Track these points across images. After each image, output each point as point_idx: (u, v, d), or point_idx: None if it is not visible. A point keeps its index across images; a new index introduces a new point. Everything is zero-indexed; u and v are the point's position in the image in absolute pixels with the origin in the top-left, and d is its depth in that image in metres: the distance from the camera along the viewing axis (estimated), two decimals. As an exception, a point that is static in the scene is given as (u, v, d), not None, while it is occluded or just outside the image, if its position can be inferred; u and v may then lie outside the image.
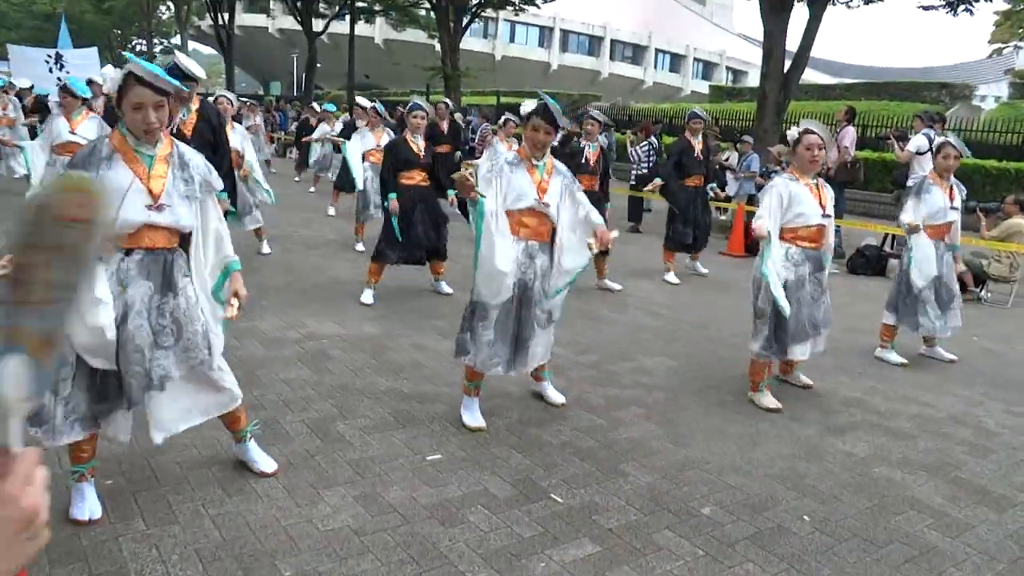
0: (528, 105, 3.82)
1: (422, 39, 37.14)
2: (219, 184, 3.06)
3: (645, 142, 12.11)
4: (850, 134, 11.08)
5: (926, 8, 15.96)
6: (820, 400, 4.75)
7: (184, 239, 2.97)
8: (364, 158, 8.28)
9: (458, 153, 12.05)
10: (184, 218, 2.87)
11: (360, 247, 8.49)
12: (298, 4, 30.87)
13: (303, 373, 4.62)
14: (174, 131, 4.86)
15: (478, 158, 15.09)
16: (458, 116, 16.51)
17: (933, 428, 4.38)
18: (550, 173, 3.94)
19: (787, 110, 14.69)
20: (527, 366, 4.05)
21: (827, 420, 4.41)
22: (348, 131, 10.79)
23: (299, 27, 32.25)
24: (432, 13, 24.71)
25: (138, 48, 52.38)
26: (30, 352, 0.80)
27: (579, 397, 4.46)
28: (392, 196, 6.29)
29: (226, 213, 5.14)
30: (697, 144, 8.21)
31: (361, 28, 37.39)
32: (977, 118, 18.47)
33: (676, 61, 63.30)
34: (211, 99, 6.99)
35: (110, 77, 2.72)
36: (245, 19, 50.88)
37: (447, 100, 16.94)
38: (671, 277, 8.08)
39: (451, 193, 6.78)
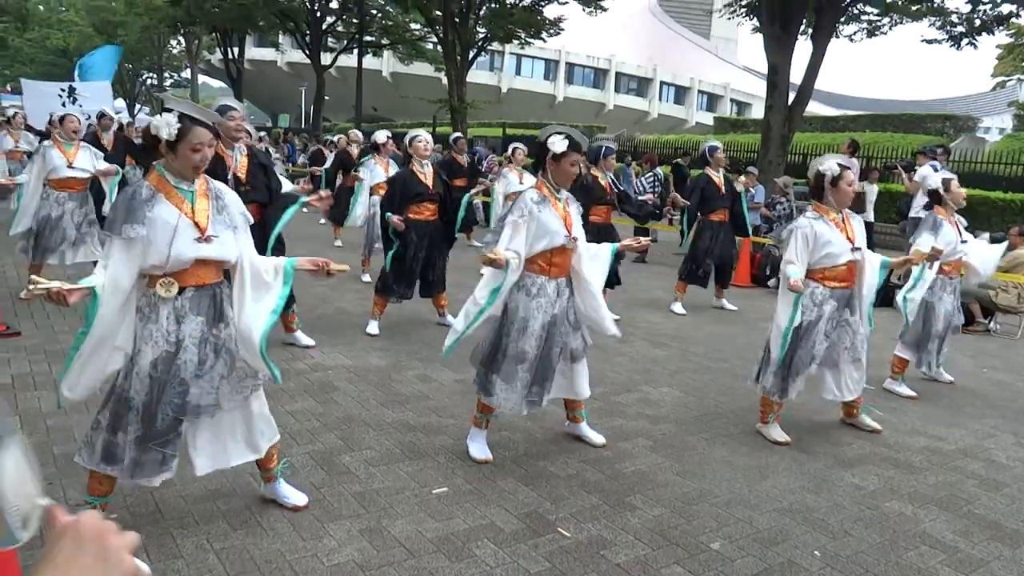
0: (558, 143, 3.73)
1: (429, 72, 37.49)
2: (248, 217, 3.09)
3: (650, 173, 12.17)
4: (854, 166, 11.13)
5: (929, 42, 16.10)
6: (828, 432, 4.71)
7: (227, 274, 3.05)
8: (372, 191, 8.32)
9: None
10: (230, 247, 2.93)
11: (366, 278, 8.51)
12: (307, 38, 31.27)
13: (309, 404, 4.61)
14: (230, 176, 4.83)
15: (486, 187, 15.19)
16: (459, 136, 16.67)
17: (943, 461, 4.34)
18: (567, 203, 3.92)
19: (791, 142, 14.78)
20: (547, 397, 4.02)
21: (836, 452, 4.37)
22: (339, 163, 10.81)
23: (307, 61, 32.63)
24: (439, 47, 24.97)
25: (148, 82, 53.06)
26: None
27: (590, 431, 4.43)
28: (388, 215, 6.27)
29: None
30: (718, 178, 8.19)
31: (369, 61, 37.79)
32: (981, 150, 18.52)
33: (681, 93, 63.78)
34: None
35: (164, 122, 2.70)
36: (254, 53, 51.54)
37: (460, 135, 17.10)
38: (677, 307, 8.07)
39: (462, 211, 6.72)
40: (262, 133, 28.53)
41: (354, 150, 11.07)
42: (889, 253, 5.24)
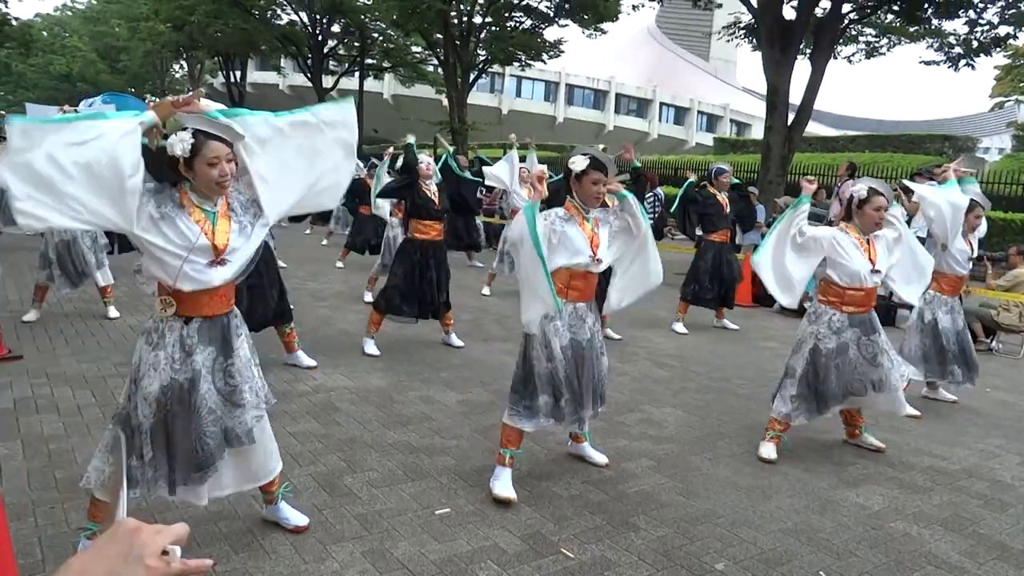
0: (579, 162, 3.69)
1: (430, 94, 37.73)
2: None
3: (650, 193, 12.19)
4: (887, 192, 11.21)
5: (927, 63, 16.20)
6: (832, 452, 4.69)
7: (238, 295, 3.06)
8: (392, 213, 8.44)
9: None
10: (242, 260, 2.90)
11: (368, 297, 8.52)
12: (308, 62, 31.49)
13: (311, 426, 4.60)
14: None
15: (487, 207, 15.22)
16: (460, 157, 16.72)
17: (948, 481, 4.32)
18: (596, 224, 3.84)
19: (791, 162, 14.84)
20: (580, 426, 4.03)
21: (840, 472, 4.35)
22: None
23: (309, 84, 32.83)
24: (440, 69, 25.15)
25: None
26: None
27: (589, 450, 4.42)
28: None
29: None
30: (723, 198, 8.23)
31: (370, 84, 38.05)
32: (981, 170, 18.58)
33: (680, 114, 64.09)
34: None
35: (179, 140, 2.65)
36: (256, 77, 51.91)
37: (460, 154, 17.18)
38: (679, 327, 8.07)
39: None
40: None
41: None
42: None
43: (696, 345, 7.59)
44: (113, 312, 7.24)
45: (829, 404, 4.42)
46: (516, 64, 25.17)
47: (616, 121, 60.97)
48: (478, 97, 44.68)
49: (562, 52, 24.42)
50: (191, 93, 2.81)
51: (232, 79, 36.48)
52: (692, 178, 8.67)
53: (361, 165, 11.95)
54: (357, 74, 32.10)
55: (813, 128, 32.72)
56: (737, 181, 8.04)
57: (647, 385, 5.98)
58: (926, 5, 14.58)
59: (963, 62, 15.64)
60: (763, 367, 6.68)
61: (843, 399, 4.44)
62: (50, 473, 3.73)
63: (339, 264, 11.24)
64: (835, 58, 16.07)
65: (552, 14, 22.51)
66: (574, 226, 3.76)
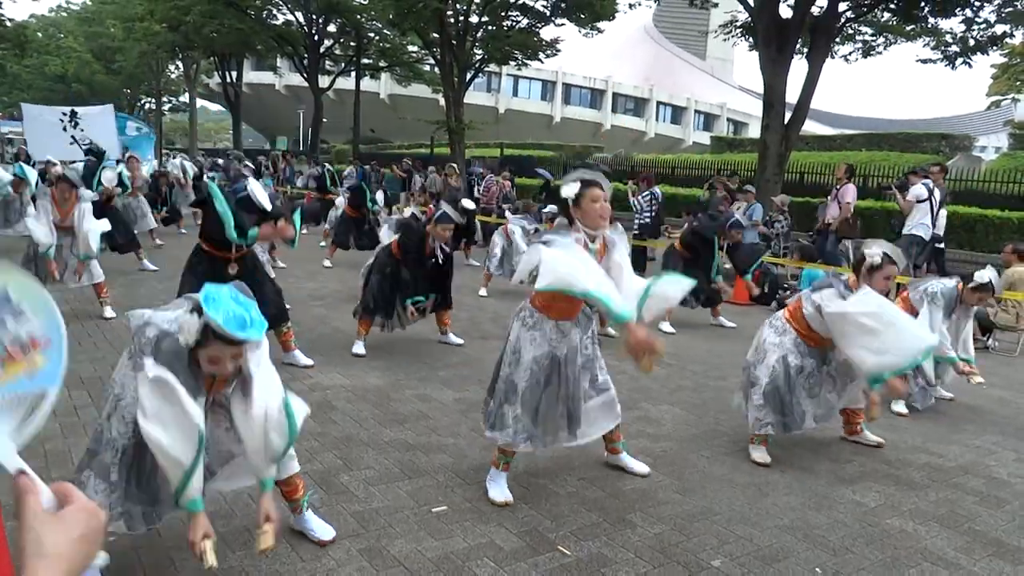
0: (570, 188, 3.48)
1: (426, 94, 37.77)
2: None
3: (647, 192, 12.21)
4: (851, 191, 11.27)
5: (924, 61, 16.22)
6: (829, 449, 4.70)
7: None
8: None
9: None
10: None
11: None
12: (305, 62, 31.47)
13: (307, 425, 4.56)
14: None
15: (484, 206, 15.23)
16: (452, 165, 16.83)
17: (944, 478, 4.33)
18: (603, 252, 3.61)
19: (788, 161, 14.85)
20: (584, 439, 3.88)
21: (836, 470, 4.35)
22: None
23: (305, 84, 32.82)
24: (436, 69, 25.14)
25: (147, 107, 53.28)
26: None
27: (585, 447, 4.41)
28: (413, 301, 6.22)
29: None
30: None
31: (366, 84, 38.08)
32: (978, 168, 18.61)
33: (677, 113, 64.18)
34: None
35: (188, 326, 2.47)
36: (252, 77, 51.90)
37: (453, 164, 17.23)
38: (666, 326, 8.05)
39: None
40: (260, 158, 28.72)
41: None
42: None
43: (693, 343, 7.60)
44: (109, 312, 7.24)
45: (797, 422, 4.35)
46: (513, 63, 25.17)
47: (613, 120, 61.05)
48: (475, 97, 44.72)
49: (559, 51, 24.41)
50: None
51: (228, 79, 36.48)
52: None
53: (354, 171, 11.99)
54: (353, 74, 32.11)
55: (810, 127, 32.80)
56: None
57: (644, 383, 5.98)
58: (923, 3, 14.59)
59: (960, 60, 15.65)
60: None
61: (804, 421, 4.38)
62: (46, 473, 3.72)
63: (327, 263, 11.22)
64: (832, 57, 16.09)
65: (548, 13, 22.50)
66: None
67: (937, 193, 10.14)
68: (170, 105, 54.42)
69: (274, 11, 31.34)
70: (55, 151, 16.46)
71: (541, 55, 24.17)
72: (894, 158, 23.56)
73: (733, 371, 6.42)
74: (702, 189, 16.06)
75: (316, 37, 31.12)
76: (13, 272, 1.13)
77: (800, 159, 19.77)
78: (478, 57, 23.73)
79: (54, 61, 46.48)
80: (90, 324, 6.95)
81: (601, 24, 22.74)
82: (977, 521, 3.76)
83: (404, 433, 4.55)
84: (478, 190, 17.47)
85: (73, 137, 16.41)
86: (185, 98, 49.57)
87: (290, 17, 31.27)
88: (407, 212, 8.86)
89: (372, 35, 31.36)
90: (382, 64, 33.91)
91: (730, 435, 4.83)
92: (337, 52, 33.06)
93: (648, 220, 12.03)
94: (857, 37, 16.95)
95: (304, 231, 15.03)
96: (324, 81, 32.75)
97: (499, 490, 3.69)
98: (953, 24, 15.42)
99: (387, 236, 10.13)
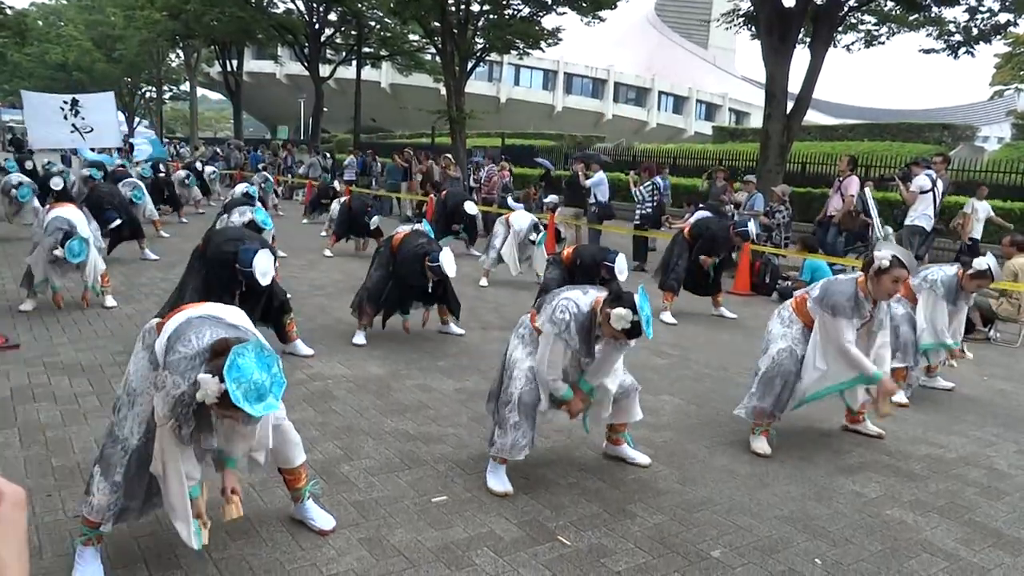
0: (620, 320, 3.40)
1: (427, 83, 37.68)
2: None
3: (648, 182, 12.19)
4: (854, 183, 11.23)
5: (927, 51, 16.13)
6: (829, 440, 4.70)
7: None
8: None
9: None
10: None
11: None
12: (305, 50, 31.36)
13: (308, 414, 4.60)
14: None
15: (485, 196, 15.21)
16: (448, 156, 16.82)
17: (944, 469, 4.33)
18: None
19: (790, 151, 14.80)
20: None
21: (837, 460, 4.35)
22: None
23: (306, 73, 32.70)
24: (437, 58, 25.04)
25: (148, 95, 53.16)
26: None
27: (585, 437, 4.41)
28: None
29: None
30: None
31: (367, 73, 37.93)
32: (980, 159, 18.54)
33: (679, 103, 64.01)
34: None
35: (207, 388, 2.39)
36: (253, 65, 51.76)
37: (449, 156, 17.22)
38: (667, 316, 8.04)
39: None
40: (262, 146, 28.63)
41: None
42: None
43: (694, 334, 7.59)
44: (110, 301, 7.23)
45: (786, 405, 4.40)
46: (514, 52, 25.02)
47: (614, 110, 60.90)
48: (476, 86, 44.63)
49: (560, 40, 24.28)
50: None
51: (229, 68, 36.36)
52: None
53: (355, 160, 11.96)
54: (354, 63, 31.97)
55: (812, 117, 32.67)
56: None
57: (645, 374, 5.97)
58: (926, -8, 14.51)
59: (963, 50, 15.55)
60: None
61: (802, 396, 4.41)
62: (47, 461, 3.73)
63: (328, 253, 11.21)
64: (834, 46, 15.97)
65: (550, 2, 22.37)
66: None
67: (940, 184, 10.11)
68: (171, 94, 54.31)
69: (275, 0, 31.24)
70: (55, 140, 16.42)
71: (542, 44, 24.04)
72: (896, 148, 23.48)
73: (734, 361, 6.42)
74: (701, 179, 16.03)
75: (317, 26, 30.97)
76: None
77: (802, 149, 19.72)
78: (479, 46, 23.62)
79: (55, 49, 46.35)
80: (91, 312, 6.95)
81: (603, 13, 22.61)
82: (977, 512, 3.77)
83: (404, 423, 4.56)
84: (474, 179, 17.46)
85: (74, 125, 16.34)
86: (186, 87, 49.48)
87: (291, 5, 31.09)
88: (410, 205, 8.85)
89: (373, 24, 31.20)
90: (383, 53, 33.76)
91: (730, 426, 4.82)
92: (338, 41, 32.91)
93: (650, 210, 12.00)
94: (860, 26, 16.84)
95: (305, 220, 15.11)
96: (325, 70, 32.63)
97: (499, 481, 3.69)
98: (956, 13, 15.32)
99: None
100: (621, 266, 6.72)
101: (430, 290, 6.23)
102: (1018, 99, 42.10)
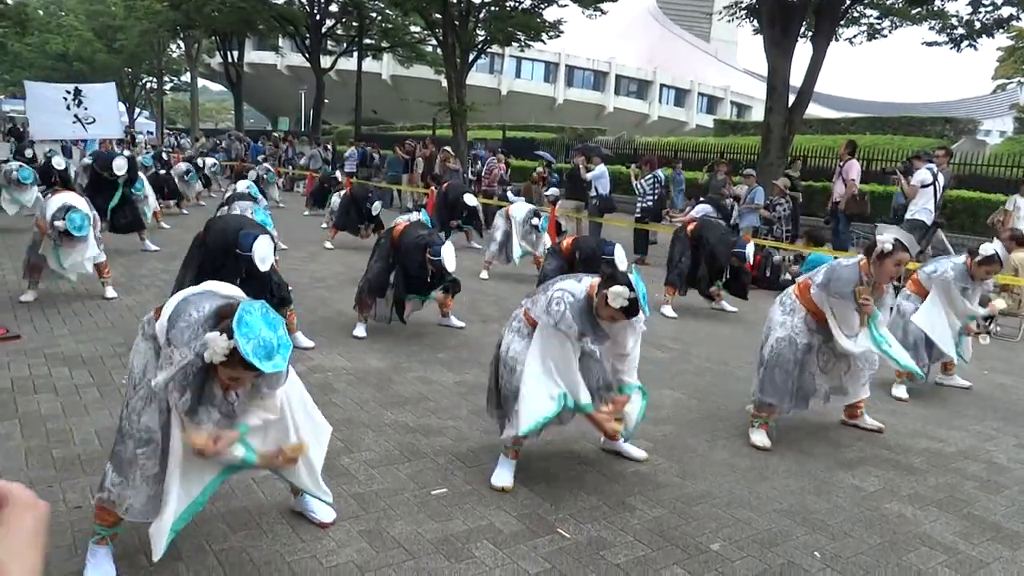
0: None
1: (429, 75, 37.56)
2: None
3: (650, 175, 12.17)
4: (855, 167, 11.19)
5: (929, 44, 16.09)
6: (829, 434, 4.71)
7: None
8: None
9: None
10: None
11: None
12: (306, 42, 31.30)
13: (308, 406, 4.59)
14: None
15: (486, 188, 15.18)
16: (447, 149, 16.81)
17: (943, 463, 4.33)
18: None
19: (792, 144, 14.79)
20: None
21: (836, 454, 4.36)
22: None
23: (307, 64, 32.66)
24: (439, 50, 24.99)
25: (148, 86, 53.08)
26: None
27: (585, 431, 4.41)
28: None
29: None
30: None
31: (368, 64, 37.84)
32: (982, 153, 18.52)
33: (681, 96, 63.85)
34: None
35: (215, 346, 2.38)
36: (254, 57, 51.66)
37: (448, 148, 17.19)
38: (668, 310, 8.04)
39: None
40: (266, 138, 28.58)
41: None
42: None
43: (695, 328, 7.60)
44: (111, 292, 7.23)
45: (798, 400, 4.40)
46: (515, 44, 24.96)
47: (616, 103, 60.77)
48: (477, 78, 44.55)
49: (562, 32, 24.22)
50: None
51: (229, 59, 36.30)
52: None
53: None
54: (355, 54, 31.91)
55: (814, 110, 32.65)
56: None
57: (645, 367, 5.94)
58: (929, -14, 14.48)
59: (965, 43, 15.51)
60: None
61: (802, 400, 4.42)
62: (48, 452, 3.73)
63: (328, 245, 11.21)
64: (836, 40, 15.94)
65: (552, -6, 22.36)
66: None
67: (941, 177, 10.10)
68: (171, 85, 54.18)
69: (276, -10, 31.15)
70: (57, 131, 16.39)
71: (544, 36, 23.99)
72: (898, 142, 23.46)
73: (734, 355, 6.42)
74: (701, 171, 16.02)
75: (318, 17, 30.92)
76: None
77: (804, 142, 19.70)
78: (481, 38, 23.58)
79: (55, 39, 46.23)
80: (91, 304, 6.96)
81: (604, 5, 22.56)
82: (976, 506, 3.77)
83: (405, 415, 4.56)
84: (472, 171, 17.45)
85: (76, 116, 16.30)
86: (186, 78, 49.34)
87: (292, -4, 31.10)
88: (411, 197, 8.84)
89: (374, 15, 31.15)
90: (384, 45, 33.72)
91: (730, 419, 4.83)
92: (339, 32, 32.86)
93: (651, 203, 11.99)
94: (862, 20, 16.81)
95: (307, 212, 15.10)
96: (326, 61, 32.57)
97: (501, 476, 3.68)
98: (959, 6, 15.44)
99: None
100: (620, 256, 6.72)
101: (429, 279, 6.22)
102: (1020, 93, 41.99)
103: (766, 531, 3.36)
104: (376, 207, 10.86)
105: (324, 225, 13.31)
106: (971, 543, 3.37)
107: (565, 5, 22.60)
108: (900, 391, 5.56)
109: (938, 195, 10.02)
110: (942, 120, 31.27)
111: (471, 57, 23.18)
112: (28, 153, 15.64)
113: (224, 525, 3.12)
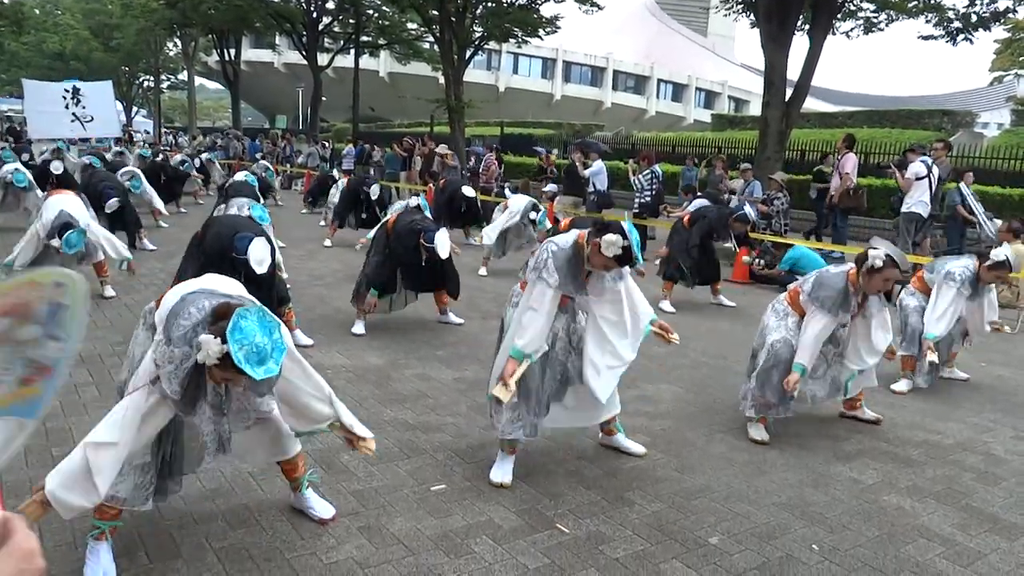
0: (612, 246, 3.38)
1: (426, 72, 37.53)
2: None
3: (648, 170, 12.17)
4: (852, 160, 11.18)
5: (926, 38, 16.09)
6: (827, 427, 4.72)
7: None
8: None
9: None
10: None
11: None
12: (303, 39, 31.25)
13: (307, 404, 4.60)
14: None
15: (483, 185, 15.17)
16: (443, 147, 16.78)
17: (941, 455, 4.34)
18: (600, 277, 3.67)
19: (789, 138, 14.78)
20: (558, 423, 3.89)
21: (834, 447, 4.37)
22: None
23: (304, 62, 32.62)
24: (436, 46, 24.98)
25: (145, 84, 52.99)
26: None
27: (584, 428, 4.42)
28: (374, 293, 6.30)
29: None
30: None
31: (366, 62, 37.82)
32: (980, 145, 18.52)
33: (678, 90, 63.83)
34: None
35: (208, 349, 2.39)
36: (251, 55, 51.52)
37: (445, 146, 17.16)
38: (666, 305, 8.04)
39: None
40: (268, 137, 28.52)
41: None
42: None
43: (693, 322, 7.60)
44: (109, 291, 7.24)
45: (789, 405, 4.40)
46: (512, 41, 24.97)
47: (613, 98, 60.74)
48: (475, 75, 44.50)
49: (559, 28, 24.23)
50: None
51: (226, 57, 36.23)
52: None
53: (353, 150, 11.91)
54: (352, 52, 31.86)
55: (811, 104, 32.61)
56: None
57: (643, 362, 5.97)
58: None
59: (961, 36, 15.52)
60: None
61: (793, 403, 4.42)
62: (47, 451, 3.74)
63: (327, 243, 11.20)
64: (833, 33, 15.95)
65: (548, -11, 22.37)
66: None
67: (936, 170, 10.08)
68: (168, 83, 54.10)
69: (272, -13, 31.08)
70: (55, 129, 16.37)
71: (541, 32, 23.99)
72: (895, 135, 23.45)
73: (732, 350, 6.43)
74: (698, 166, 16.02)
75: (315, 14, 30.87)
76: (79, 289, 1.15)
77: (801, 136, 19.69)
78: (478, 34, 23.58)
79: (52, 38, 46.09)
80: (90, 303, 6.95)
81: (601, 0, 22.56)
82: (974, 497, 3.78)
83: (403, 412, 4.57)
84: (467, 168, 17.45)
85: (74, 115, 16.31)
86: (183, 76, 49.30)
87: (288, -6, 31.03)
88: (408, 194, 8.86)
89: (371, 12, 31.11)
90: (381, 42, 33.67)
91: (728, 414, 4.84)
92: (336, 29, 32.81)
93: (648, 199, 11.98)
94: (859, 13, 16.80)
95: (304, 211, 15.09)
96: (323, 59, 32.53)
97: (500, 472, 3.67)
98: (955, 0, 15.31)
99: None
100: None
101: (423, 263, 6.20)
102: (1017, 85, 42.00)
103: (764, 524, 3.37)
104: (375, 190, 10.78)
105: (322, 223, 13.30)
106: (969, 534, 3.38)
107: (562, 0, 22.60)
108: (901, 385, 5.57)
109: (934, 188, 10.01)
110: (939, 113, 31.27)
111: (468, 53, 23.18)
112: (24, 156, 15.63)
113: (224, 522, 3.13)
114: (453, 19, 21.59)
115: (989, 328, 5.69)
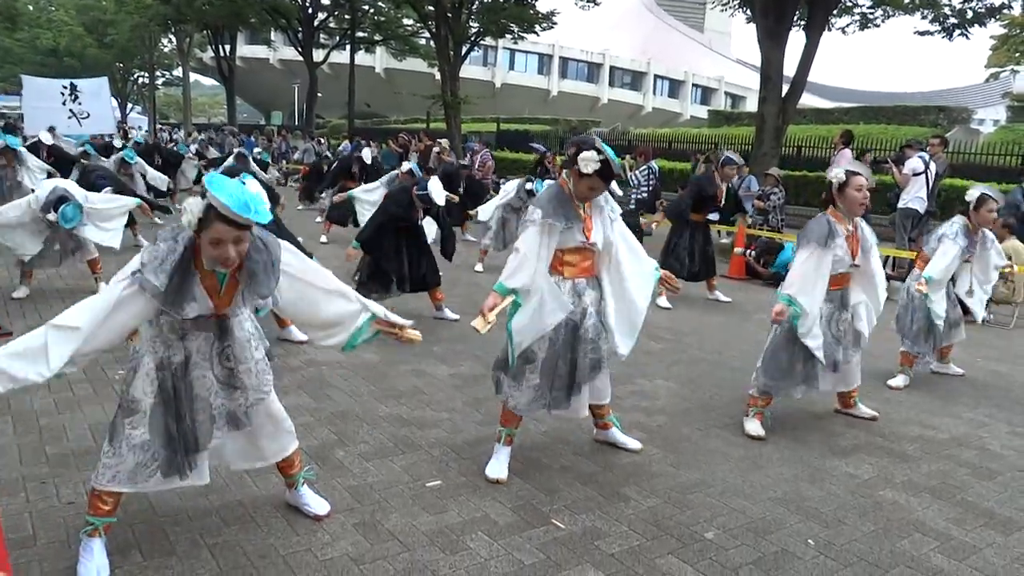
0: (589, 164, 3.35)
1: (422, 68, 37.51)
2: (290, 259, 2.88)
3: (644, 166, 12.17)
4: (847, 156, 11.18)
5: (922, 33, 16.09)
6: (822, 422, 4.72)
7: None
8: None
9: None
10: (245, 317, 2.89)
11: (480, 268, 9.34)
12: (299, 35, 31.18)
13: (303, 400, 4.60)
14: None
15: (478, 181, 15.15)
16: (443, 142, 16.76)
17: (937, 450, 4.35)
18: (590, 208, 3.63)
19: (785, 134, 14.78)
20: (578, 412, 3.79)
21: (830, 442, 4.37)
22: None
23: (300, 58, 32.54)
24: (432, 42, 24.94)
25: (140, 81, 52.86)
26: None
27: (580, 421, 4.41)
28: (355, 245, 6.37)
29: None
30: (721, 189, 8.20)
31: (361, 58, 37.76)
32: (976, 141, 18.54)
33: (675, 87, 63.83)
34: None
35: (191, 208, 2.43)
36: (246, 51, 51.43)
37: (440, 143, 17.15)
38: (663, 301, 8.03)
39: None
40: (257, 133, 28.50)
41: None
42: (882, 245, 5.19)
43: (689, 318, 7.60)
44: (103, 288, 7.20)
45: (793, 384, 4.42)
46: (509, 36, 24.95)
47: (610, 94, 60.72)
48: (471, 71, 44.40)
49: (555, 24, 24.20)
50: None
51: (221, 53, 36.15)
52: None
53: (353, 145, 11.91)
54: (348, 47, 31.80)
55: (807, 100, 32.66)
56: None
57: (639, 357, 5.97)
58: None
59: (957, 32, 15.52)
60: (755, 339, 6.67)
61: (803, 382, 4.43)
62: (41, 448, 3.73)
63: (323, 239, 11.18)
64: (829, 29, 15.95)
65: (544, -15, 22.33)
66: (566, 207, 3.53)
67: (933, 165, 10.09)
68: (163, 79, 53.95)
69: (267, -17, 30.98)
70: (53, 125, 16.38)
71: (537, 28, 23.97)
72: (892, 131, 23.47)
73: (729, 346, 6.43)
74: (691, 161, 16.02)
75: (310, 10, 30.81)
76: None
77: (797, 132, 19.69)
78: (474, 30, 23.54)
79: (46, 35, 45.97)
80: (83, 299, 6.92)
81: (597, -4, 22.52)
82: (969, 492, 3.79)
83: (399, 408, 4.56)
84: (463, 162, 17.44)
85: (71, 111, 16.29)
86: (178, 72, 49.11)
87: (283, -11, 30.93)
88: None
89: (366, 8, 31.05)
90: (377, 38, 33.62)
91: (724, 409, 4.84)
92: (331, 25, 32.75)
93: (645, 195, 11.98)
94: (855, 9, 16.79)
95: (300, 207, 15.06)
96: (319, 55, 32.45)
97: (495, 467, 3.66)
98: (952, -5, 15.29)
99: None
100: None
101: (415, 224, 6.30)
102: (1014, 81, 42.00)
103: (760, 519, 3.37)
104: (366, 154, 10.73)
105: (318, 219, 13.27)
106: (964, 529, 3.38)
107: (558, -4, 22.57)
108: (898, 380, 5.57)
109: (931, 183, 10.02)
110: (936, 109, 31.26)
111: (464, 49, 23.15)
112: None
113: (218, 519, 3.12)
114: (449, 15, 21.55)
115: (997, 275, 5.73)
